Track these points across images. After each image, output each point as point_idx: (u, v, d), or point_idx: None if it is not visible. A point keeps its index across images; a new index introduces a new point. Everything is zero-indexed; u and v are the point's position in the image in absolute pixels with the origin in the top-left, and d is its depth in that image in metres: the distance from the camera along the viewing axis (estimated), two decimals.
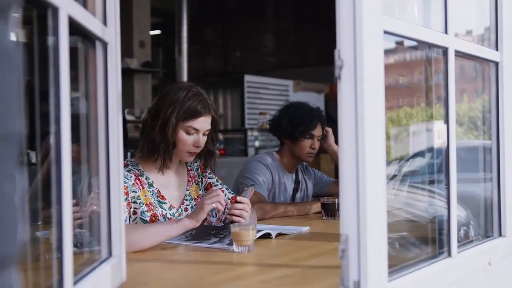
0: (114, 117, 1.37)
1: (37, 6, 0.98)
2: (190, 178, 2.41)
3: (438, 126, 1.91)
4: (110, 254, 1.36)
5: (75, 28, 1.11)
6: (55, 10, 0.99)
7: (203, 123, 2.24)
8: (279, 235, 2.21)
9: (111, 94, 1.37)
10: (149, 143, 2.23)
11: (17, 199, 0.59)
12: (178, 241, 2.05)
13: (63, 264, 0.99)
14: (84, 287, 1.11)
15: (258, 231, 2.05)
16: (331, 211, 2.67)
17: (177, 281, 1.63)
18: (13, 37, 0.60)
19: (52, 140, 1.00)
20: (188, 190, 2.38)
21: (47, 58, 1.01)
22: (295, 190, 3.16)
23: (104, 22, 1.35)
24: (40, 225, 1.34)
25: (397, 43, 1.53)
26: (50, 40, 1.00)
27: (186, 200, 2.36)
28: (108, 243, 1.36)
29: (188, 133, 2.22)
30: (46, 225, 1.34)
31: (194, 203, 2.37)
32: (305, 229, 2.38)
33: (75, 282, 1.08)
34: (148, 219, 2.18)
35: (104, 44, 1.34)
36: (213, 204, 2.02)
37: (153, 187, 2.25)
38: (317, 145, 3.05)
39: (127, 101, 7.34)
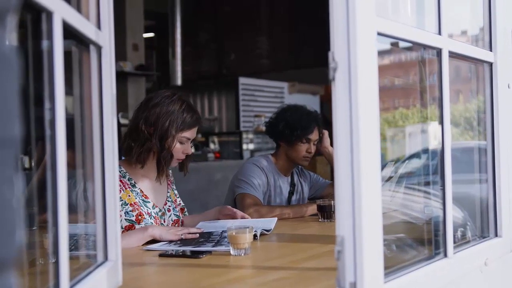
0: (109, 122, 1.37)
1: (31, 10, 0.98)
2: (169, 182, 2.54)
3: (434, 127, 1.91)
4: (106, 258, 1.36)
5: (69, 32, 1.11)
6: (49, 14, 0.99)
7: (195, 132, 2.39)
8: (263, 234, 2.25)
9: (106, 98, 1.36)
10: (145, 152, 2.30)
11: (16, 202, 0.59)
12: (175, 247, 2.04)
13: (60, 269, 0.99)
14: None
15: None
16: (327, 213, 2.67)
17: (174, 285, 1.62)
18: (10, 41, 0.61)
19: (47, 144, 1.00)
20: (168, 192, 2.50)
21: (41, 62, 1.01)
22: (291, 193, 3.16)
23: (98, 26, 1.34)
24: (36, 230, 1.33)
25: (392, 44, 1.53)
26: (44, 44, 1.00)
27: (168, 201, 2.47)
28: (104, 247, 1.36)
29: (181, 142, 2.34)
30: (41, 230, 1.34)
31: (174, 205, 2.49)
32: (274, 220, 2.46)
33: (71, 286, 1.07)
34: (134, 218, 2.26)
35: (99, 48, 1.34)
36: (182, 236, 2.15)
37: (136, 187, 2.34)
38: (313, 149, 3.04)
39: (121, 104, 7.31)
